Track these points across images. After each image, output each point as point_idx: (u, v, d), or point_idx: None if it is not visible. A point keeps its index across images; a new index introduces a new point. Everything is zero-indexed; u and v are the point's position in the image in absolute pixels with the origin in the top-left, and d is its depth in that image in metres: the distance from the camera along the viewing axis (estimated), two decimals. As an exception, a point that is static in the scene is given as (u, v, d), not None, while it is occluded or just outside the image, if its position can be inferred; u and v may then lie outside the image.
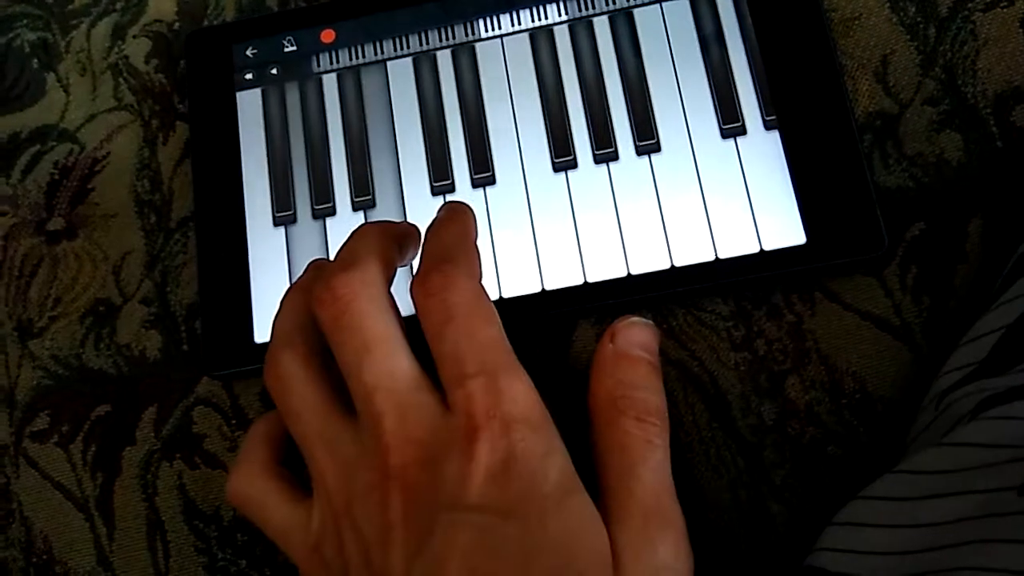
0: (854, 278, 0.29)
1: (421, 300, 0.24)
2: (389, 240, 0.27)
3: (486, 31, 0.33)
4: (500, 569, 0.22)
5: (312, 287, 0.26)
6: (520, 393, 0.23)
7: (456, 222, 0.27)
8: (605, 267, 0.30)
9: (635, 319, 0.26)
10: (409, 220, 0.32)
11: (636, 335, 0.26)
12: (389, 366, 0.24)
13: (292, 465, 0.27)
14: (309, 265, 0.28)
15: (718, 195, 0.30)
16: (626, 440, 0.24)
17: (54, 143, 0.36)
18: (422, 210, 0.32)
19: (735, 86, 0.31)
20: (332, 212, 0.32)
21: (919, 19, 0.31)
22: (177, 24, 0.37)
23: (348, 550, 0.24)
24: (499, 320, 0.24)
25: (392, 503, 0.23)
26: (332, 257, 0.28)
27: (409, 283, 0.25)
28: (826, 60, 0.30)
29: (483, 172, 0.32)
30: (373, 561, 0.23)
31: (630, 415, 0.25)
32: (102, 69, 0.37)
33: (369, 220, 0.32)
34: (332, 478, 0.24)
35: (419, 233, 0.28)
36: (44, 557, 0.32)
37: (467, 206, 0.28)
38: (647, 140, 0.31)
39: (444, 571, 0.22)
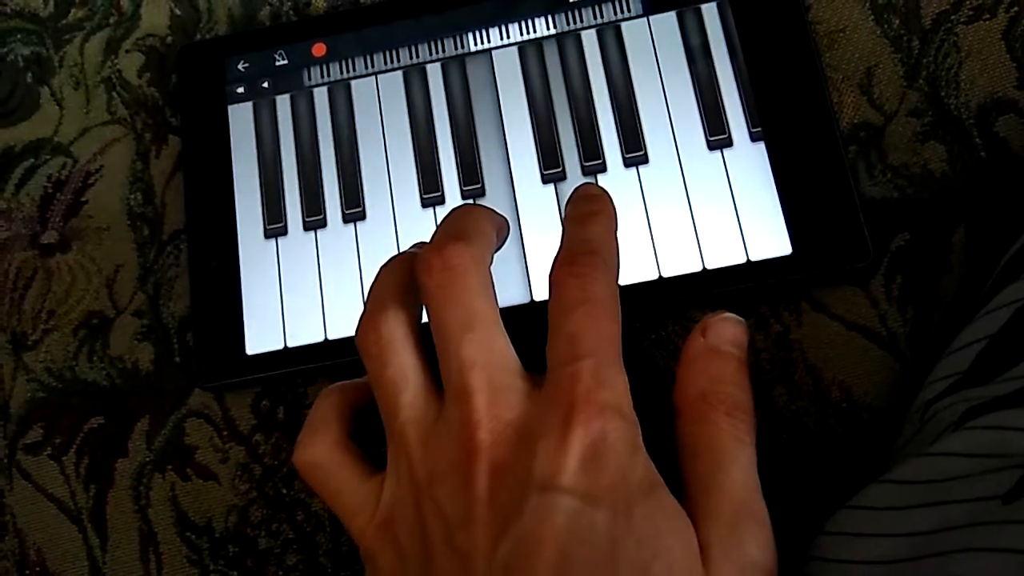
0: (840, 288, 0.30)
1: (562, 278, 0.24)
2: (494, 225, 0.27)
3: (475, 44, 0.34)
4: (589, 555, 0.21)
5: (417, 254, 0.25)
6: (620, 387, 0.23)
7: (605, 216, 0.26)
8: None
9: (727, 314, 0.26)
10: (400, 232, 0.32)
11: (728, 331, 0.26)
12: (489, 345, 0.24)
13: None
14: (414, 244, 0.28)
15: (705, 206, 0.30)
16: (717, 436, 0.24)
17: (48, 157, 0.37)
18: (413, 222, 0.32)
19: (721, 98, 0.31)
20: (323, 224, 0.33)
21: (903, 32, 0.31)
22: (170, 38, 0.37)
23: (429, 528, 0.23)
24: (620, 322, 0.24)
25: (478, 481, 0.23)
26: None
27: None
28: (811, 72, 0.31)
29: (473, 184, 0.32)
30: (456, 539, 0.23)
31: (721, 411, 0.24)
32: (95, 83, 0.37)
33: (360, 234, 0.32)
34: (417, 452, 0.24)
35: (509, 228, 0.28)
36: (37, 569, 0.32)
37: (610, 197, 0.27)
38: (635, 152, 0.31)
39: (536, 553, 0.21)
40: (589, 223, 0.26)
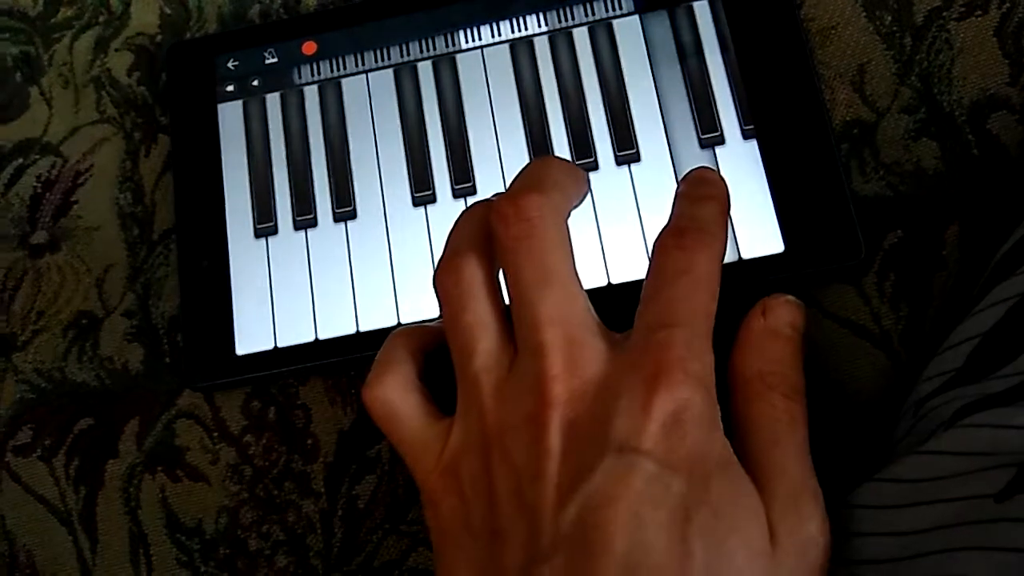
0: (833, 286, 0.29)
1: (669, 249, 0.24)
2: (573, 178, 0.26)
3: (467, 42, 0.33)
4: (662, 520, 0.21)
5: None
6: (708, 362, 0.23)
7: (720, 202, 0.25)
8: (586, 277, 0.30)
9: (788, 296, 0.26)
10: (391, 231, 0.32)
11: (788, 313, 0.26)
12: (568, 302, 0.24)
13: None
14: (496, 193, 0.27)
15: (697, 204, 0.30)
16: (775, 415, 0.24)
17: (37, 156, 0.36)
18: (404, 221, 0.32)
19: (713, 96, 0.31)
20: (313, 223, 0.32)
21: (895, 28, 0.31)
22: (159, 37, 0.37)
23: (496, 479, 0.23)
24: (717, 304, 0.24)
25: (551, 435, 0.22)
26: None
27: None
28: (803, 70, 0.31)
29: (464, 183, 0.32)
30: (524, 493, 0.22)
31: (778, 392, 0.24)
32: (85, 82, 0.37)
33: (351, 233, 0.32)
34: (489, 402, 0.24)
35: (589, 184, 0.28)
36: (27, 571, 0.32)
37: (727, 187, 0.26)
38: (627, 150, 0.31)
39: (605, 511, 0.21)
40: (703, 203, 0.25)
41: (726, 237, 0.25)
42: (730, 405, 0.25)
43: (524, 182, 0.25)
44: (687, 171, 0.26)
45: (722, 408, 0.24)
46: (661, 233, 0.25)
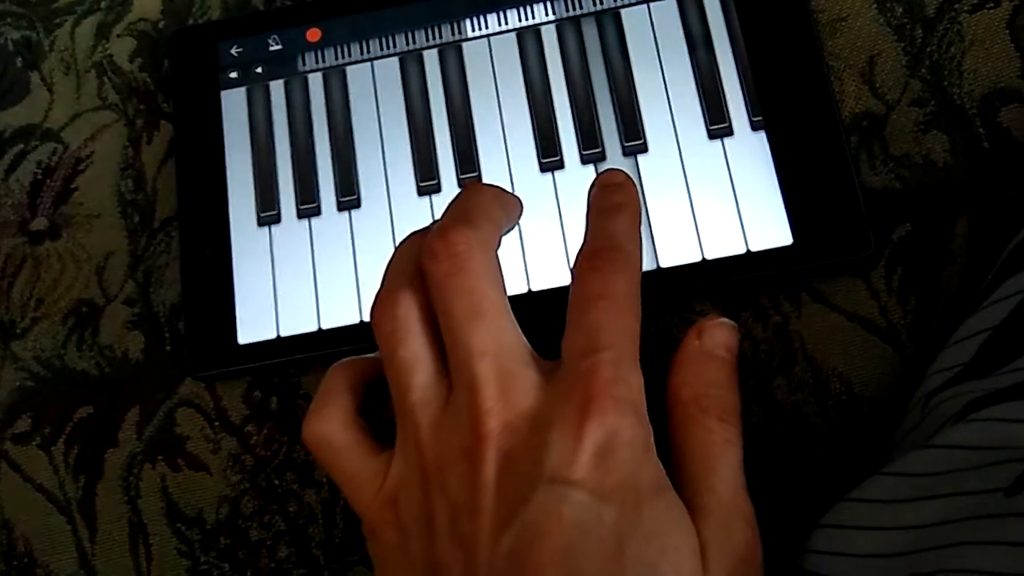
0: (841, 279, 0.29)
1: (584, 272, 0.24)
2: (503, 206, 0.26)
3: (473, 31, 0.33)
4: (594, 550, 0.21)
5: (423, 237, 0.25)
6: (635, 385, 0.23)
7: (630, 209, 0.26)
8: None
9: (722, 319, 0.26)
10: (395, 220, 0.32)
11: (722, 335, 0.26)
12: (499, 334, 0.24)
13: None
14: (435, 220, 0.27)
15: (705, 196, 0.30)
16: (708, 438, 0.24)
17: (37, 143, 0.36)
18: (408, 210, 0.32)
19: (722, 87, 0.31)
20: (317, 212, 0.32)
21: (906, 20, 0.31)
22: (162, 23, 0.37)
23: (434, 512, 0.23)
24: (640, 320, 0.24)
25: (486, 468, 0.23)
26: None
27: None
28: (813, 61, 0.30)
29: (469, 173, 0.32)
30: (460, 525, 0.23)
31: (712, 414, 0.25)
32: (86, 68, 0.37)
33: (354, 222, 0.32)
34: (426, 436, 0.24)
35: (522, 207, 0.28)
36: (25, 560, 0.32)
37: (635, 186, 0.27)
38: (634, 141, 0.31)
39: (538, 543, 0.21)
40: (614, 216, 0.26)
41: (641, 244, 0.25)
42: (667, 425, 0.25)
43: (453, 216, 0.25)
44: (601, 172, 0.27)
45: (659, 428, 0.24)
46: (578, 255, 0.25)
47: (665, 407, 0.25)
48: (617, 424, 0.22)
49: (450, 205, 0.26)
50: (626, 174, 0.27)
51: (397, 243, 0.31)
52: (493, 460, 0.23)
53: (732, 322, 0.26)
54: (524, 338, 0.25)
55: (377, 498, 0.25)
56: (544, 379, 0.24)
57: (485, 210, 0.25)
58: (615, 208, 0.26)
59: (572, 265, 0.25)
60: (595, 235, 0.25)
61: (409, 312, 0.25)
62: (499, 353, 0.24)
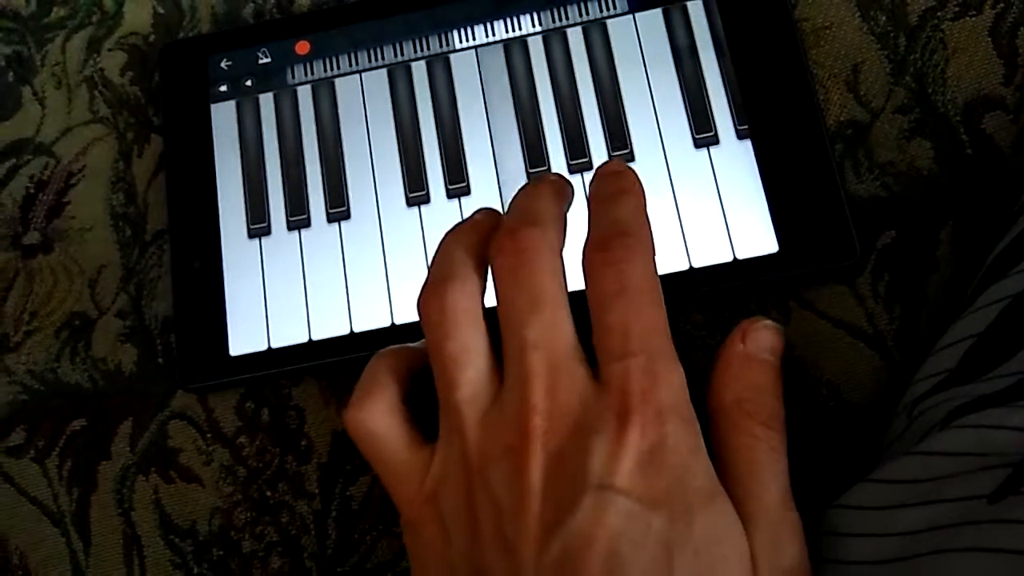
0: (827, 286, 0.29)
1: (596, 267, 0.24)
2: (565, 206, 0.26)
3: (460, 42, 0.33)
4: (642, 559, 0.21)
5: (486, 231, 0.25)
6: (676, 383, 0.23)
7: (634, 195, 0.25)
8: (580, 278, 0.30)
9: (767, 321, 0.25)
10: (384, 231, 0.32)
11: (767, 338, 0.25)
12: (553, 327, 0.23)
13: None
14: (479, 210, 0.27)
15: (691, 204, 0.30)
16: (753, 444, 0.24)
17: (30, 157, 0.36)
18: (398, 221, 0.32)
19: (708, 96, 0.31)
20: (307, 224, 0.32)
21: (889, 28, 0.31)
22: (152, 37, 0.37)
23: (478, 512, 0.23)
24: (665, 307, 0.24)
25: (532, 470, 0.22)
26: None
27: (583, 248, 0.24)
28: (797, 70, 0.30)
29: (458, 183, 0.32)
30: (506, 528, 0.22)
31: (757, 420, 0.24)
32: (77, 82, 0.37)
33: (344, 233, 0.32)
34: (471, 432, 0.23)
35: (574, 190, 0.27)
36: (20, 573, 0.32)
37: (636, 174, 0.25)
38: (621, 150, 0.31)
39: (587, 552, 0.21)
40: (618, 202, 0.25)
41: (650, 229, 0.24)
42: (709, 429, 0.25)
43: (522, 215, 0.25)
44: (598, 166, 0.26)
45: (704, 429, 0.23)
46: (585, 246, 0.24)
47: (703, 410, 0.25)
48: (659, 433, 0.22)
49: (516, 202, 0.25)
50: (625, 164, 0.26)
51: (388, 253, 0.31)
52: (539, 462, 0.22)
53: (777, 324, 0.26)
54: (577, 337, 0.24)
55: (419, 493, 0.24)
56: (591, 379, 0.23)
57: (551, 212, 0.25)
58: (618, 193, 0.25)
59: (582, 259, 0.24)
60: (601, 223, 0.24)
61: (459, 302, 0.24)
62: (552, 348, 0.23)
